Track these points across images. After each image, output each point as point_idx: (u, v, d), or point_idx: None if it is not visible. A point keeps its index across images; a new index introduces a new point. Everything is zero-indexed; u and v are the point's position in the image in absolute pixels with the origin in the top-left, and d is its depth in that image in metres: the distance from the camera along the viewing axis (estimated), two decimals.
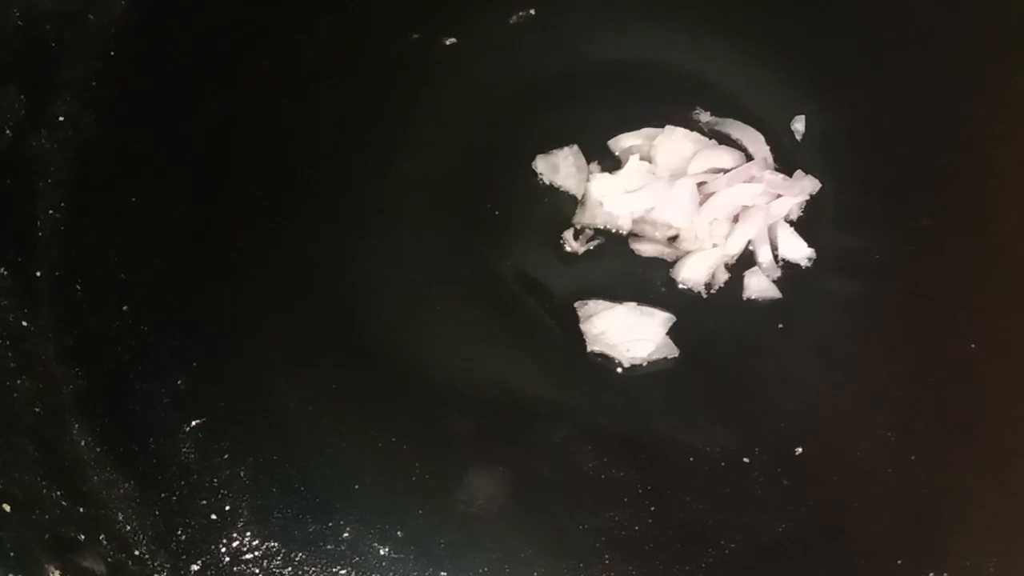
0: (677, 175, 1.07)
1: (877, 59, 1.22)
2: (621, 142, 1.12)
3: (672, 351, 1.00)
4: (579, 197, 1.09)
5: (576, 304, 1.02)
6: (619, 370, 1.00)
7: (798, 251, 1.06)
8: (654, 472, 0.94)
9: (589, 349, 1.00)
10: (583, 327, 1.01)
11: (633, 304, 1.02)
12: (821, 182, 1.09)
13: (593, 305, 1.03)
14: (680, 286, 1.04)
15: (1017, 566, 0.90)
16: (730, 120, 1.14)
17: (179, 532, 0.90)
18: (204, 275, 1.02)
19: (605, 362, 1.00)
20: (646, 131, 1.11)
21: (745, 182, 1.05)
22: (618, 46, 1.19)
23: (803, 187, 1.07)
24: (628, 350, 0.99)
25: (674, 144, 1.09)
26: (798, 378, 1.00)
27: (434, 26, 1.16)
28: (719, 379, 1.00)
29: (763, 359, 1.01)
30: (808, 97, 1.16)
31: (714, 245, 1.06)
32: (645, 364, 1.00)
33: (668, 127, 1.10)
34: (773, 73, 1.19)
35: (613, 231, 1.07)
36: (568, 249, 1.05)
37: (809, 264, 1.06)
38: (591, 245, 1.06)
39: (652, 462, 0.94)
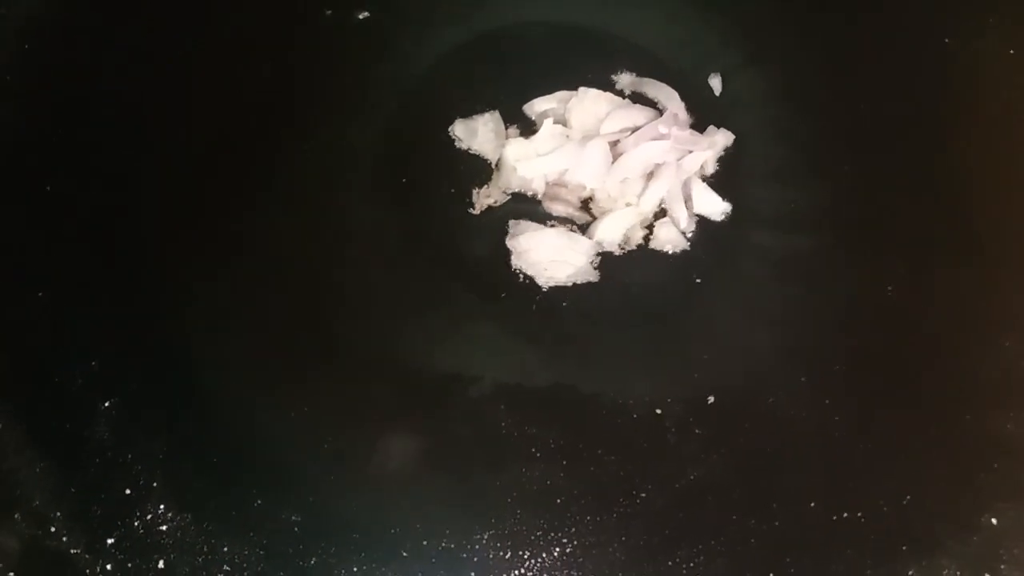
0: (590, 137, 1.07)
1: (799, 14, 1.22)
2: (536, 106, 1.12)
3: (592, 276, 1.01)
4: (494, 162, 1.09)
5: (510, 222, 1.04)
6: (537, 300, 1.01)
7: (713, 206, 1.06)
8: (567, 427, 0.94)
9: (513, 266, 1.02)
10: (509, 243, 1.03)
11: (563, 229, 1.03)
12: (741, 137, 1.10)
13: (524, 224, 1.04)
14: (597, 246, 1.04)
15: (930, 504, 0.90)
16: (647, 80, 1.14)
17: (94, 508, 0.91)
18: (118, 258, 1.02)
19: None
20: (560, 94, 1.12)
21: (654, 139, 1.05)
22: (535, 11, 1.20)
23: (713, 142, 1.07)
24: (547, 270, 1.00)
25: (587, 106, 1.10)
26: (714, 330, 1.00)
27: (348, 1, 1.16)
28: (634, 334, 1.00)
29: (680, 313, 1.02)
30: (730, 54, 1.16)
31: (628, 204, 1.06)
32: (563, 285, 1.01)
33: (581, 89, 1.11)
34: (693, 32, 1.19)
35: (529, 195, 1.08)
36: (473, 212, 1.05)
37: (724, 219, 1.06)
38: (494, 203, 1.06)
39: (566, 417, 0.95)
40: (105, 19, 1.14)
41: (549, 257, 1.01)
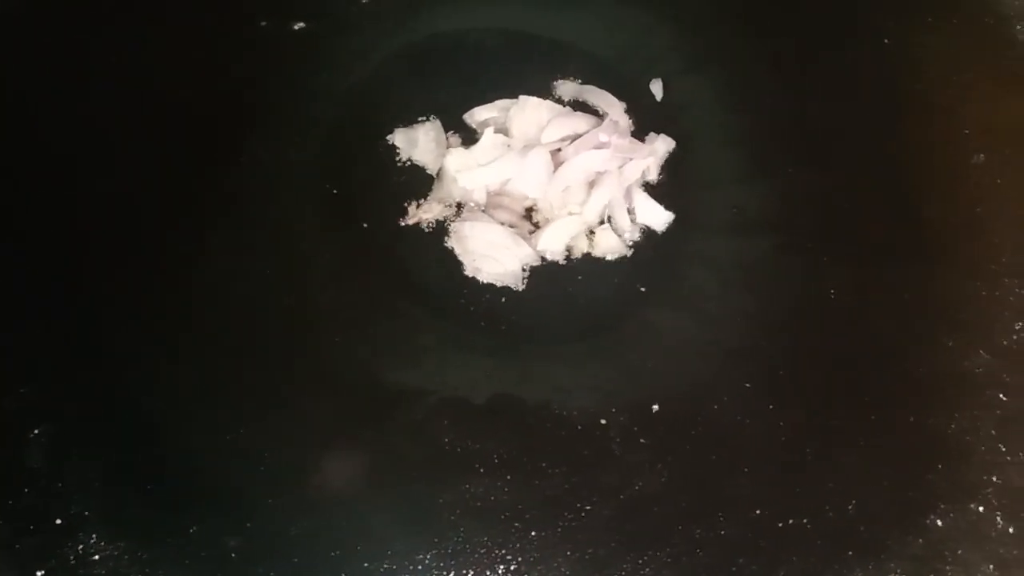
0: (532, 146, 1.06)
1: (741, 18, 1.23)
2: (476, 115, 1.11)
3: (517, 285, 1.00)
4: (435, 172, 1.08)
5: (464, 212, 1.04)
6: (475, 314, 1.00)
7: (655, 216, 1.05)
8: (511, 441, 0.92)
9: (447, 244, 1.03)
10: (454, 225, 1.03)
11: (511, 231, 1.02)
12: (684, 142, 1.09)
13: (478, 215, 1.03)
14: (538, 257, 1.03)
15: (875, 507, 0.90)
16: (589, 87, 1.14)
17: (25, 538, 0.88)
18: (49, 278, 0.99)
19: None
20: (501, 103, 1.11)
21: (596, 147, 1.04)
22: (474, 19, 1.19)
23: (653, 149, 1.06)
24: (475, 261, 1.00)
25: (528, 114, 1.09)
26: (658, 338, 1.00)
27: (283, 12, 1.14)
28: (579, 344, 0.99)
29: (624, 322, 1.01)
30: (672, 58, 1.16)
31: (571, 213, 1.05)
32: (483, 282, 1.01)
33: (522, 97, 1.10)
34: (636, 38, 1.19)
35: (471, 205, 1.06)
36: (405, 223, 1.04)
37: (666, 227, 1.05)
38: (430, 217, 1.05)
39: (510, 431, 0.93)
40: (49, 26, 1.11)
41: (483, 250, 1.00)
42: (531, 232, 1.04)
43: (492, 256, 1.00)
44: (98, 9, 1.12)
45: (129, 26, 1.12)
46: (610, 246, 1.02)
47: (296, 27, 1.14)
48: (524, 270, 1.01)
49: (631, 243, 1.04)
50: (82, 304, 0.99)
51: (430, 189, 1.07)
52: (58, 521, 0.88)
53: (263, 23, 1.14)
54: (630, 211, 1.05)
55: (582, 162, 1.03)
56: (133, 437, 0.92)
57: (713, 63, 1.19)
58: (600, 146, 1.03)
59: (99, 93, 1.08)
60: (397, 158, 1.09)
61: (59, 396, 0.94)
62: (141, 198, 1.05)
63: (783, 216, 1.08)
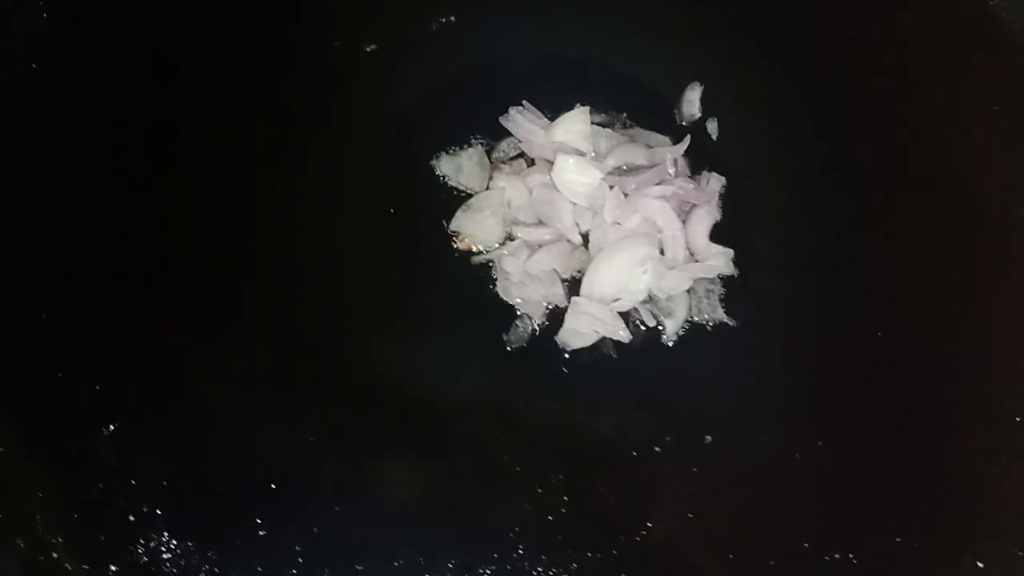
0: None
1: (792, 58, 1.25)
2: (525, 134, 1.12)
3: (538, 317, 1.03)
4: (481, 196, 1.09)
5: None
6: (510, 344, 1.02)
7: (719, 258, 1.07)
8: (568, 462, 0.96)
9: (495, 266, 1.05)
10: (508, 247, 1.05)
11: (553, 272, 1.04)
12: (736, 182, 1.12)
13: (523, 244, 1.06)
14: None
15: (922, 545, 0.93)
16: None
17: (97, 534, 0.91)
18: (121, 278, 1.02)
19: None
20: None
21: (658, 183, 1.07)
22: (538, 51, 1.21)
23: (711, 190, 1.09)
24: (510, 286, 1.03)
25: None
26: (710, 369, 1.03)
27: (356, 33, 1.18)
28: (632, 373, 1.02)
29: (676, 352, 1.03)
30: (722, 96, 1.18)
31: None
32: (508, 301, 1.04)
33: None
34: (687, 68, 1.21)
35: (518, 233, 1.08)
36: (456, 245, 1.07)
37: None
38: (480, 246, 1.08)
39: (567, 452, 0.96)
40: (106, 37, 1.14)
41: (520, 278, 1.03)
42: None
43: (526, 285, 1.03)
44: (176, 25, 1.15)
45: (206, 40, 1.15)
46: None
47: (368, 49, 1.17)
48: (547, 307, 1.04)
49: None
50: (152, 303, 1.02)
51: (479, 212, 1.09)
52: (130, 517, 0.91)
53: (336, 43, 1.17)
54: (691, 251, 1.07)
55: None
56: (204, 438, 0.95)
57: (759, 102, 1.21)
58: (663, 182, 1.06)
59: (175, 106, 1.11)
60: (446, 181, 1.11)
61: (130, 394, 0.97)
62: (205, 206, 1.07)
63: (830, 258, 1.10)
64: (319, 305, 1.04)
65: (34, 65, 1.13)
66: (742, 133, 1.17)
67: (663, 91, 1.19)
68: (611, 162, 1.09)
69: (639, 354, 1.03)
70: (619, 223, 1.05)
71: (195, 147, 1.10)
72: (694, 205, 1.07)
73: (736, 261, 1.08)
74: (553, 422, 0.98)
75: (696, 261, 1.06)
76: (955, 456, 0.98)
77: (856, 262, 1.09)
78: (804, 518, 0.94)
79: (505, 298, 1.04)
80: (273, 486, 0.93)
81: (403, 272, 1.06)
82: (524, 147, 1.11)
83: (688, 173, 1.11)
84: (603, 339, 1.02)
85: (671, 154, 1.08)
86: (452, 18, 1.19)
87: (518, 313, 1.04)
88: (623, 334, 1.01)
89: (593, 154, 1.09)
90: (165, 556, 0.90)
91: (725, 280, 1.07)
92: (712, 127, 1.17)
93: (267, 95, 1.12)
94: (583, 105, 1.11)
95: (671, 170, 1.06)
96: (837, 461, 0.97)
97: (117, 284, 1.02)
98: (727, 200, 1.12)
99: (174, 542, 0.90)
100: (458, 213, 1.08)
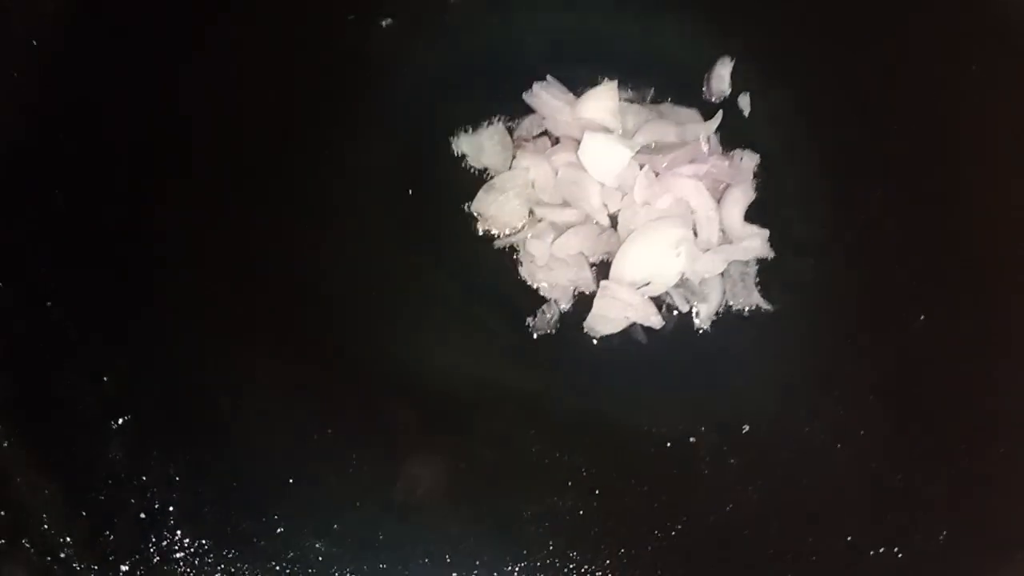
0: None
1: (830, 39, 1.19)
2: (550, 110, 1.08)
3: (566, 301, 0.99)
4: (503, 175, 1.04)
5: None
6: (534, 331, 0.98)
7: (754, 239, 1.02)
8: (599, 455, 0.92)
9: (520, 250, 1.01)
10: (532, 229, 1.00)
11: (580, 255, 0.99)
12: (769, 160, 1.07)
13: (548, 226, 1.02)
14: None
15: (969, 542, 0.89)
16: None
17: (107, 533, 0.87)
18: (132, 274, 0.98)
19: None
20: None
21: (691, 162, 1.02)
22: (560, 24, 1.16)
23: (746, 168, 1.04)
24: (536, 272, 0.98)
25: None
26: (746, 358, 0.98)
27: (371, 6, 1.13)
28: (665, 361, 0.98)
29: (710, 341, 0.99)
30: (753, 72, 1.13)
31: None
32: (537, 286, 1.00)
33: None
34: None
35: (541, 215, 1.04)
36: (479, 233, 1.02)
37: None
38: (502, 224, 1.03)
39: (597, 445, 0.92)
40: (116, 22, 1.09)
41: (545, 262, 0.99)
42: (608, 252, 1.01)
43: (552, 269, 0.99)
44: (189, 7, 1.10)
45: (218, 19, 1.10)
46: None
47: (384, 23, 1.11)
48: (574, 292, 0.99)
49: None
50: (162, 296, 0.98)
51: (502, 193, 1.05)
52: (141, 515, 0.87)
53: (351, 17, 1.11)
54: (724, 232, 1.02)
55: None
56: (217, 433, 0.91)
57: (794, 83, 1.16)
58: (696, 160, 1.01)
59: (187, 92, 1.06)
60: (465, 161, 1.06)
61: (141, 389, 0.93)
62: (218, 194, 1.03)
63: (869, 243, 1.05)
64: (335, 294, 0.99)
65: (40, 52, 1.08)
66: (774, 110, 1.13)
67: (691, 66, 1.13)
68: (640, 139, 1.04)
69: (671, 341, 0.98)
70: (649, 203, 1.00)
71: (208, 127, 1.05)
72: (728, 185, 1.02)
73: (771, 243, 1.02)
74: (582, 412, 0.94)
75: (730, 243, 1.01)
76: (1004, 450, 0.93)
77: (897, 245, 1.04)
78: (847, 512, 0.90)
79: (530, 283, 0.99)
80: (291, 481, 0.89)
81: (421, 257, 1.01)
82: (548, 124, 1.05)
83: (720, 151, 1.06)
84: (633, 325, 0.98)
85: (704, 131, 1.03)
86: None
87: (544, 298, 0.99)
88: (655, 319, 0.97)
89: (621, 131, 1.04)
90: (178, 555, 0.86)
91: (760, 263, 1.02)
92: (744, 102, 1.11)
93: (279, 72, 1.07)
94: (610, 79, 1.06)
95: (704, 147, 1.01)
96: (880, 453, 0.93)
97: (124, 275, 0.97)
98: (760, 179, 1.07)
99: (187, 541, 0.86)
100: (479, 194, 1.03)
